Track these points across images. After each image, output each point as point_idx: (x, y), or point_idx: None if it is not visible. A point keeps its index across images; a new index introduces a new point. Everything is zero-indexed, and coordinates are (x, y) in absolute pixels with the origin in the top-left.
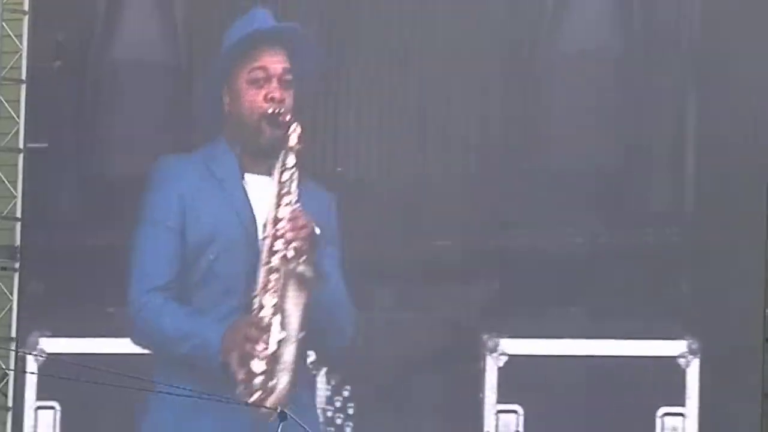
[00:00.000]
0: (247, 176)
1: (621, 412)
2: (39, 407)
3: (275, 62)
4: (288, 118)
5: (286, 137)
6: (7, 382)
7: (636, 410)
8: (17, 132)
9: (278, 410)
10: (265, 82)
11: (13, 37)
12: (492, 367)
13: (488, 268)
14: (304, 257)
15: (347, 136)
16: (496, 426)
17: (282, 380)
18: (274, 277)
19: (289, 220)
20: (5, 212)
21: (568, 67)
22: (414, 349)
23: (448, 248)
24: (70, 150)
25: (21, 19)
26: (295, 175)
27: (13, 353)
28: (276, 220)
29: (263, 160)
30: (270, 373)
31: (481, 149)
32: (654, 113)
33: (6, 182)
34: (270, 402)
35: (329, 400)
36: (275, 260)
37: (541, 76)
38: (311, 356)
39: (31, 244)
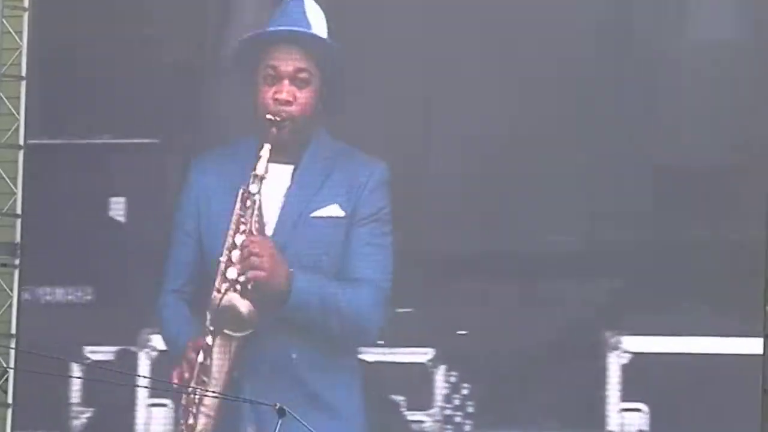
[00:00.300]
0: (270, 166)
1: (744, 410)
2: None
3: (287, 61)
4: (264, 149)
5: (254, 163)
6: (7, 379)
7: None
8: (17, 129)
9: (276, 406)
10: (276, 81)
11: (14, 34)
12: (615, 364)
13: (610, 263)
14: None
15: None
16: (622, 425)
17: (200, 423)
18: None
19: (241, 249)
20: (5, 209)
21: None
22: (534, 346)
23: (568, 243)
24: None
25: (21, 16)
26: (258, 203)
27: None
28: (232, 246)
29: (283, 151)
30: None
31: (594, 143)
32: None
33: (6, 179)
34: None
35: (448, 398)
36: (224, 288)
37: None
38: (429, 354)
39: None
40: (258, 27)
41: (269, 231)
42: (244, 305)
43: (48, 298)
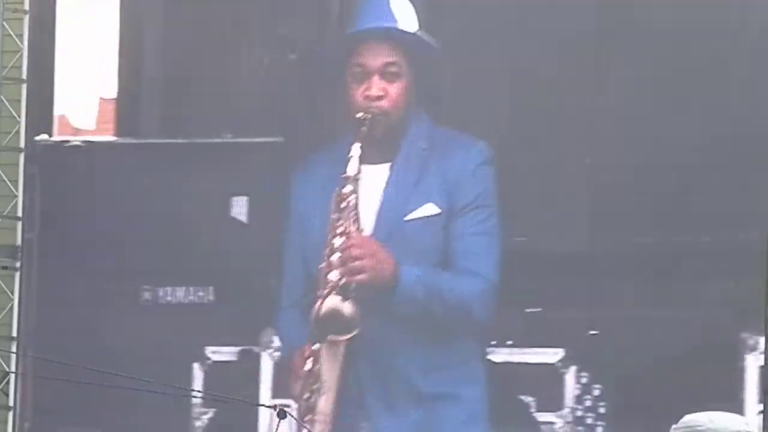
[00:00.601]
0: (364, 168)
1: None
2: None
3: (376, 56)
4: (354, 148)
5: (346, 164)
6: (8, 381)
7: None
8: (18, 131)
9: (277, 408)
10: (365, 78)
11: (14, 37)
12: (752, 366)
13: (746, 264)
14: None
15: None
16: (760, 427)
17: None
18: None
19: (342, 251)
20: (6, 212)
21: None
22: (666, 347)
23: (704, 244)
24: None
25: (22, 19)
26: (354, 203)
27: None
28: (330, 251)
29: (379, 149)
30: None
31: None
32: None
33: (7, 182)
34: None
35: (579, 400)
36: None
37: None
38: (559, 353)
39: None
40: (346, 22)
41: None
42: (346, 307)
43: (169, 298)
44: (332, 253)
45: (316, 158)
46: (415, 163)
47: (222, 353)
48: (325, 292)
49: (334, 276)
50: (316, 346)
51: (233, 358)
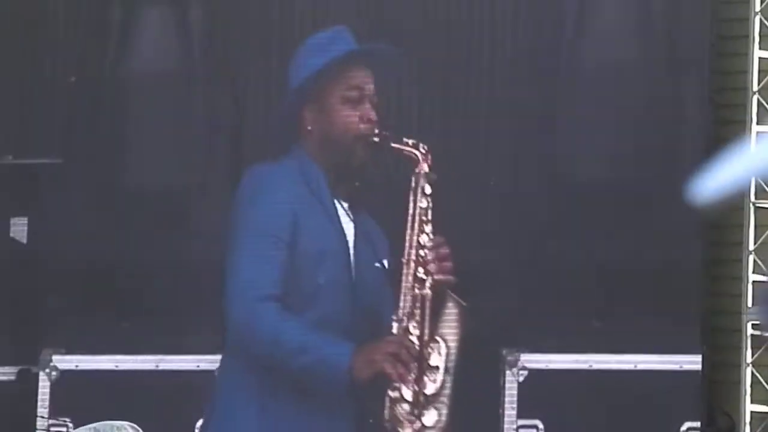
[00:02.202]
0: (337, 204)
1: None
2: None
3: (368, 82)
4: (412, 142)
5: (417, 163)
6: None
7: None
8: None
9: None
10: (359, 103)
11: None
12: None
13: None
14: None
15: None
16: None
17: (429, 419)
18: (419, 305)
19: (431, 248)
20: None
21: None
22: None
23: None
24: (85, 165)
25: None
26: (430, 204)
27: None
28: (418, 246)
29: (345, 185)
30: (417, 405)
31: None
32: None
33: None
34: None
35: None
36: (419, 288)
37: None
38: None
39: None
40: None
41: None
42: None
43: None
44: (419, 248)
45: (276, 166)
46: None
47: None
48: (417, 287)
49: (422, 273)
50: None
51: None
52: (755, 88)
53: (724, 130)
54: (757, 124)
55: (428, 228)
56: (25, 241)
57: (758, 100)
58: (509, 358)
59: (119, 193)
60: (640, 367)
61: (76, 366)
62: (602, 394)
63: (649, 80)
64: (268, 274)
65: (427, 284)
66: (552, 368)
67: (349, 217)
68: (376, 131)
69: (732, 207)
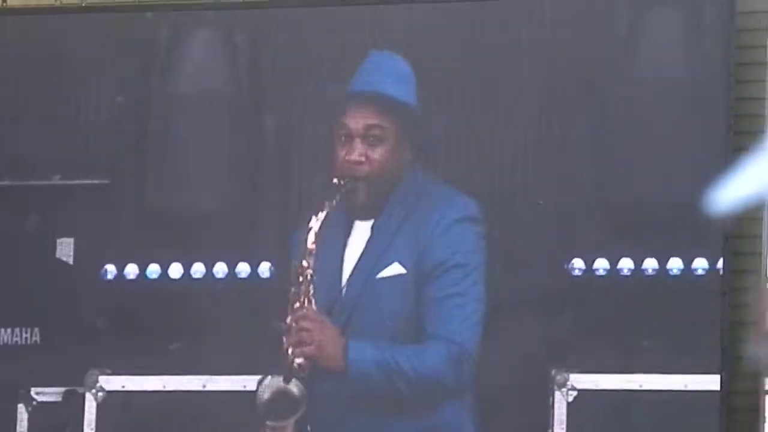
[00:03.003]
0: (356, 223)
1: None
2: None
3: (358, 119)
4: (313, 221)
5: (305, 237)
6: None
7: None
8: None
9: None
10: (347, 141)
11: None
12: (560, 402)
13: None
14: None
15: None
16: None
17: None
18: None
19: (288, 333)
20: None
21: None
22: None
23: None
24: (130, 185)
25: None
26: (310, 278)
27: None
28: (289, 327)
29: (364, 206)
30: None
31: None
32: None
33: None
34: None
35: None
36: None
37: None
38: None
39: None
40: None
41: (343, 292)
42: (291, 387)
43: None
44: (288, 330)
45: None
46: (394, 220)
47: (46, 394)
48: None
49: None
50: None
51: (57, 398)
52: None
53: (742, 156)
54: None
55: (299, 304)
56: (71, 261)
57: None
58: (558, 378)
59: (164, 214)
60: (690, 387)
61: (123, 387)
62: (650, 414)
63: (669, 106)
64: None
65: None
66: (601, 388)
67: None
68: (338, 179)
69: (748, 217)
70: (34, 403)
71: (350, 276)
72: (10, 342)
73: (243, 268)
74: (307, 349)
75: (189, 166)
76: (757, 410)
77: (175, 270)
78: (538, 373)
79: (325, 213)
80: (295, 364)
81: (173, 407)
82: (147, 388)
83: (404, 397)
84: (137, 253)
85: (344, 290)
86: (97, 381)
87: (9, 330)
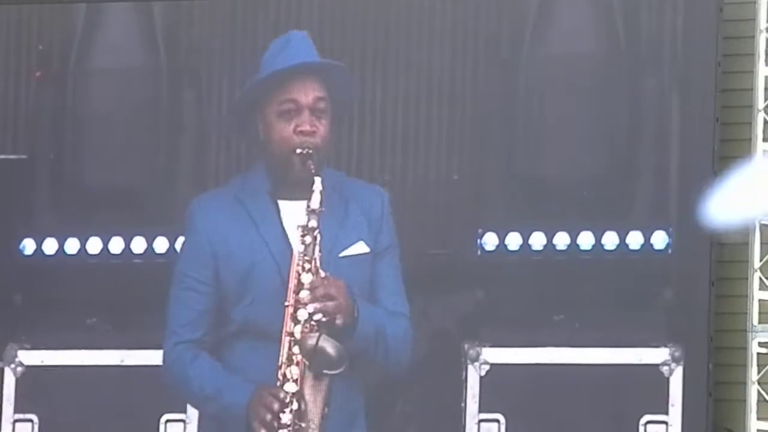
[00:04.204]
0: (281, 203)
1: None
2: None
3: (307, 92)
4: (313, 168)
5: (309, 196)
6: None
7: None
8: None
9: None
10: (296, 114)
11: None
12: (474, 376)
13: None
14: (322, 333)
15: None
16: None
17: None
18: (296, 349)
19: (311, 289)
20: None
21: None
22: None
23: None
24: (48, 160)
25: None
26: (318, 239)
27: None
28: (299, 287)
29: (296, 188)
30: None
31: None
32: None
33: None
34: None
35: None
36: (297, 331)
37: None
38: None
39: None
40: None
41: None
42: (330, 346)
43: None
44: (300, 289)
45: (218, 192)
46: (334, 202)
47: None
48: (297, 328)
49: (304, 315)
50: (290, 387)
51: None
52: (761, 106)
53: (729, 147)
54: (763, 141)
55: (310, 266)
56: None
57: (764, 117)
58: (471, 352)
59: (83, 191)
60: (601, 361)
61: (42, 361)
62: (562, 389)
63: (655, 98)
64: (184, 318)
65: (310, 326)
66: (514, 363)
67: (307, 214)
68: (302, 148)
69: (738, 226)
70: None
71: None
72: None
73: (161, 243)
74: (339, 321)
75: (107, 140)
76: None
77: (94, 245)
78: (452, 348)
79: (320, 179)
80: (312, 321)
81: (92, 381)
82: (66, 363)
83: (377, 366)
84: (55, 228)
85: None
86: (15, 356)
87: None
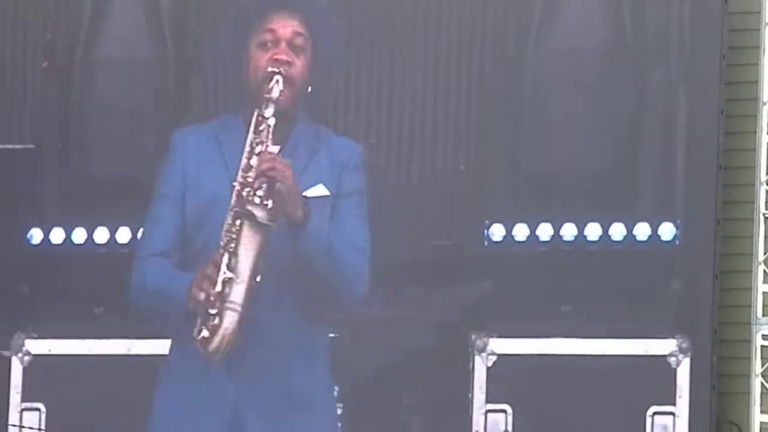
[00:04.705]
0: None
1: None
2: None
3: (285, 26)
4: (270, 69)
5: (267, 87)
6: None
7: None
8: None
9: None
10: (273, 46)
11: None
12: (481, 367)
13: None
14: (264, 202)
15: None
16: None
17: (226, 320)
18: (237, 222)
19: (258, 166)
20: None
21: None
22: (401, 349)
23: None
24: (55, 150)
25: None
26: (272, 127)
27: None
28: (247, 168)
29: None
30: (219, 314)
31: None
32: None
33: None
34: (215, 343)
35: None
36: (239, 206)
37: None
38: None
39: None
40: None
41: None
42: (258, 211)
43: None
44: (248, 171)
45: (201, 126)
46: (303, 150)
47: None
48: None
49: (249, 192)
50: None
51: None
52: (766, 98)
53: (734, 139)
54: None
55: (261, 148)
56: None
57: None
58: (478, 342)
59: (91, 181)
60: (608, 352)
61: (49, 350)
62: (569, 379)
63: (661, 91)
64: (157, 232)
65: (253, 200)
66: (521, 353)
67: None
68: (272, 67)
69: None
70: None
71: None
72: None
73: None
74: (279, 185)
75: (114, 130)
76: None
77: (101, 235)
78: (459, 339)
79: (279, 77)
80: (256, 197)
81: (99, 370)
82: (73, 352)
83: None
84: (63, 218)
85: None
86: (23, 345)
87: None
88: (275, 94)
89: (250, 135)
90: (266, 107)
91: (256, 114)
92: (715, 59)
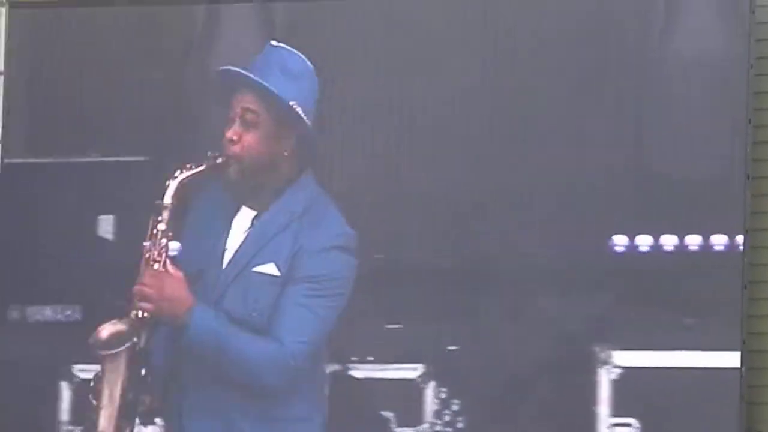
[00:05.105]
0: (244, 208)
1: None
2: None
3: (238, 103)
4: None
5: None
6: None
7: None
8: None
9: None
10: (230, 123)
11: None
12: (604, 380)
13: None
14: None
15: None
16: None
17: None
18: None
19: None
20: None
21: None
22: (524, 362)
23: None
24: (170, 162)
25: None
26: (161, 233)
27: None
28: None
29: (253, 196)
30: None
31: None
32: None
33: None
34: None
35: (438, 414)
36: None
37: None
38: (418, 369)
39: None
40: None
41: (220, 271)
42: (119, 325)
43: (37, 317)
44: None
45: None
46: (279, 221)
47: (89, 371)
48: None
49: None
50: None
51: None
52: None
53: (761, 150)
54: None
55: (161, 262)
56: (112, 238)
57: None
58: (602, 355)
59: None
60: (733, 365)
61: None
62: (697, 392)
63: (687, 101)
64: None
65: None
66: (646, 366)
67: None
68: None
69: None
70: (77, 380)
71: (230, 259)
72: (51, 320)
73: None
74: (145, 305)
75: None
76: None
77: None
78: (582, 351)
79: (188, 174)
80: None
81: None
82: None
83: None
84: None
85: (222, 270)
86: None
87: (50, 308)
88: (166, 201)
89: (145, 242)
90: (160, 214)
91: (151, 220)
92: (742, 69)
